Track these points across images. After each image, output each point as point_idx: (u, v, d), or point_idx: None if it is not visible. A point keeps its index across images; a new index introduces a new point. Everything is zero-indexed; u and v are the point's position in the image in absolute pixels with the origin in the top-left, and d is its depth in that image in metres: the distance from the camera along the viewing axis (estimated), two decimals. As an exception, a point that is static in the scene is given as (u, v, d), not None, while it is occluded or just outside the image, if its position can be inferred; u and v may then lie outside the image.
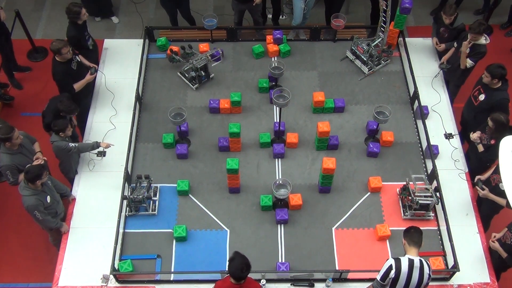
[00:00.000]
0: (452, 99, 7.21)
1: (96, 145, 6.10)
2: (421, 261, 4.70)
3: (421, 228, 5.78)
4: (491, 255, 5.69)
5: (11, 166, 5.68)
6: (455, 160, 6.37)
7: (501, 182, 5.55)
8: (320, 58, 7.43)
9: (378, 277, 4.78)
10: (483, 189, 5.72)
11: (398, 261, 4.70)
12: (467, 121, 6.81)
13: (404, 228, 5.46)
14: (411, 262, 4.68)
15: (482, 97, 6.32)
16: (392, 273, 4.68)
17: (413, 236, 4.73)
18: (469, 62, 6.64)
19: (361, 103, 6.94)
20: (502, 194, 5.55)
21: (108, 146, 6.22)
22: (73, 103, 6.11)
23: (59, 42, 6.32)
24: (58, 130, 5.87)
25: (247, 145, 6.52)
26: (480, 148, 6.08)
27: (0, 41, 7.75)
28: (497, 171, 5.70)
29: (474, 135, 6.15)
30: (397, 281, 4.71)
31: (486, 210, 6.10)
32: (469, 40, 6.49)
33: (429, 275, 4.75)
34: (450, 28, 6.97)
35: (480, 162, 6.23)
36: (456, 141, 6.58)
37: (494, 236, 5.61)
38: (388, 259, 4.79)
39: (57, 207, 5.71)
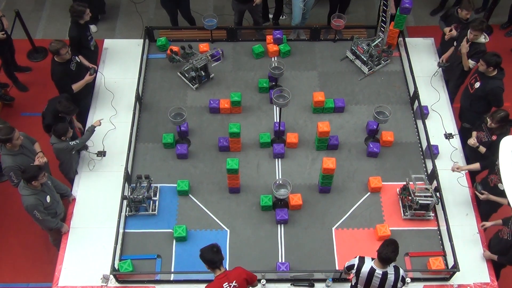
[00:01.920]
0: (452, 98, 7.22)
1: (91, 128, 6.15)
2: (384, 274, 4.66)
3: (421, 228, 5.85)
4: (491, 251, 5.68)
5: (14, 167, 5.67)
6: (454, 162, 6.36)
7: (500, 183, 5.56)
8: (320, 58, 7.43)
9: (346, 264, 4.89)
10: (482, 194, 5.73)
11: (361, 263, 4.75)
12: (463, 109, 6.86)
13: (407, 228, 5.55)
14: (372, 270, 4.69)
15: (477, 84, 6.37)
16: (353, 272, 4.79)
17: (382, 251, 4.58)
18: (471, 63, 6.65)
19: (361, 103, 6.93)
20: (502, 194, 5.56)
21: (99, 123, 6.23)
22: (72, 104, 6.10)
23: (58, 42, 6.32)
24: (59, 135, 5.87)
25: (247, 145, 6.52)
26: (482, 150, 6.07)
27: (3, 48, 7.75)
28: (493, 171, 5.72)
29: (472, 141, 6.14)
30: (358, 279, 4.81)
31: (484, 209, 6.10)
32: (469, 38, 6.50)
33: (394, 285, 4.71)
34: (465, 22, 6.93)
35: (482, 159, 6.23)
36: (456, 141, 6.58)
37: (483, 225, 5.69)
38: (356, 256, 4.83)
39: (57, 207, 5.71)
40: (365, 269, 4.70)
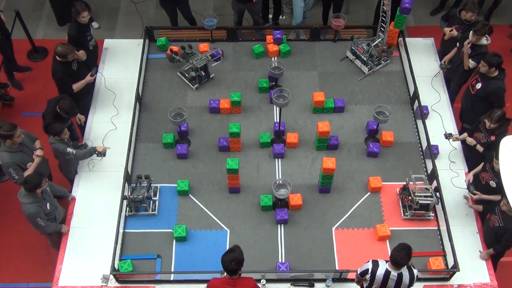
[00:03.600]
0: (453, 98, 7.23)
1: (93, 150, 6.06)
2: (399, 275, 4.71)
3: (421, 228, 5.85)
4: (487, 245, 5.71)
5: (13, 163, 5.68)
6: (454, 161, 6.36)
7: (492, 180, 5.62)
8: (320, 58, 7.43)
9: (358, 271, 4.91)
10: (474, 194, 5.76)
11: (375, 266, 4.77)
12: (464, 110, 6.86)
13: (407, 228, 5.57)
14: (387, 273, 4.73)
15: (479, 85, 6.37)
16: (368, 277, 4.81)
17: (397, 256, 4.62)
18: (471, 63, 6.66)
19: (361, 103, 6.94)
20: (494, 191, 5.63)
21: (104, 150, 6.13)
22: (75, 105, 6.10)
23: (66, 48, 6.29)
24: (53, 133, 5.85)
25: (247, 145, 6.52)
26: (480, 148, 6.08)
27: (2, 44, 7.75)
28: (484, 169, 5.76)
29: (469, 138, 6.17)
30: (373, 283, 4.83)
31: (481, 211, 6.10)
32: (470, 41, 6.51)
33: (409, 284, 4.77)
34: (467, 23, 6.92)
35: (482, 160, 6.24)
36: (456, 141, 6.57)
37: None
38: (369, 261, 4.85)
39: (56, 213, 5.71)
40: (380, 272, 4.73)
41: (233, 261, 4.55)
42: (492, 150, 5.94)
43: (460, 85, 7.21)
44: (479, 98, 6.44)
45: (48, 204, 5.51)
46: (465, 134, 6.28)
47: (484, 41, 6.56)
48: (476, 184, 5.86)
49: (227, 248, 5.72)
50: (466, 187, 5.97)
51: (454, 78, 7.15)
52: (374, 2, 9.43)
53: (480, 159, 6.30)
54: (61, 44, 6.36)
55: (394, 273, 4.70)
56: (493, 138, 5.94)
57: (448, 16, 7.28)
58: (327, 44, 7.62)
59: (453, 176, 6.22)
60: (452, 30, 7.02)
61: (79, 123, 6.62)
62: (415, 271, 4.78)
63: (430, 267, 5.53)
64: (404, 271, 4.72)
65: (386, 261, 4.78)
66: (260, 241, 5.81)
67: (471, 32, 6.51)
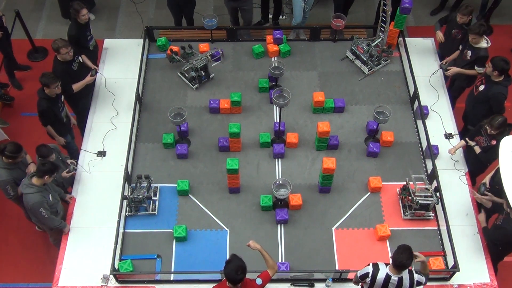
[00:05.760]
0: (456, 98, 7.21)
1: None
2: (400, 280, 4.67)
3: (421, 228, 5.85)
4: (488, 246, 5.71)
5: (10, 181, 5.67)
6: (455, 161, 6.37)
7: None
8: (320, 58, 7.43)
9: (358, 274, 4.86)
10: (485, 195, 5.70)
11: (376, 270, 4.73)
12: (467, 111, 6.86)
13: (407, 228, 5.57)
14: (388, 277, 4.69)
15: (482, 87, 6.37)
16: (368, 280, 4.77)
17: (402, 259, 4.56)
18: (478, 69, 6.63)
19: (361, 103, 6.94)
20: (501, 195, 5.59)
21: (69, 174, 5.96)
22: (53, 75, 6.07)
23: (60, 41, 6.34)
24: (40, 156, 5.64)
25: (247, 145, 6.52)
26: (477, 150, 6.08)
27: (3, 43, 7.75)
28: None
29: (472, 142, 6.18)
30: (373, 287, 4.79)
31: (486, 210, 6.10)
32: (469, 43, 6.51)
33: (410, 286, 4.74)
34: (466, 28, 6.87)
35: (480, 163, 6.24)
36: (456, 141, 6.57)
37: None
38: (369, 264, 4.81)
39: (58, 206, 5.73)
40: (381, 276, 4.69)
41: (239, 271, 4.49)
42: (491, 153, 5.94)
43: (463, 87, 7.20)
44: (480, 101, 6.42)
45: (50, 196, 5.52)
46: (462, 142, 6.27)
47: (484, 44, 6.53)
48: (494, 185, 5.77)
49: (227, 248, 5.73)
50: (479, 188, 5.94)
51: (459, 79, 7.13)
52: (374, 2, 9.45)
53: (479, 161, 6.30)
54: (58, 39, 6.39)
55: (394, 278, 4.66)
56: (493, 142, 5.92)
57: (447, 20, 7.26)
58: (327, 44, 7.61)
59: (460, 174, 6.23)
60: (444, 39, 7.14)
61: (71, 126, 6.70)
62: (416, 276, 4.73)
63: (430, 267, 5.52)
64: (405, 275, 4.68)
65: (386, 264, 4.75)
66: (260, 241, 5.74)
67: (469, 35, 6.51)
